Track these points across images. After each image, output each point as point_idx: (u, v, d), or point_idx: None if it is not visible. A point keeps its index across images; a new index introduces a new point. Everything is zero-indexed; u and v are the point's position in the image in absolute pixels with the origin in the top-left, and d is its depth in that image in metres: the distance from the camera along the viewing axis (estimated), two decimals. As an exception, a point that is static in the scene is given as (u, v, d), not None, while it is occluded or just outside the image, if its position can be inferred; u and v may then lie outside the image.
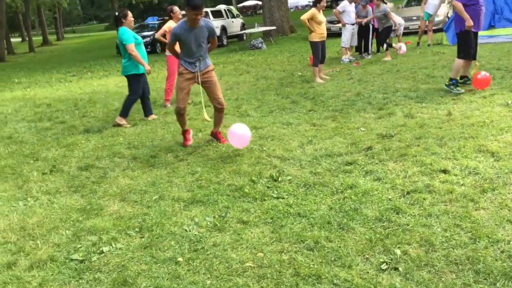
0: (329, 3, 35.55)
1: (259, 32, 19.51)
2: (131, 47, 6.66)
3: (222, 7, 25.84)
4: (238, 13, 27.00)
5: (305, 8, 50.08)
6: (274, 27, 19.69)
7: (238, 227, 3.48)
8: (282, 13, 20.43)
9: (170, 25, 7.60)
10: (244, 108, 7.46)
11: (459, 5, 6.52)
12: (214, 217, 3.68)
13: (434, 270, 2.73)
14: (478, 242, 2.96)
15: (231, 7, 27.79)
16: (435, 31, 13.46)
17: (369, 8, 11.33)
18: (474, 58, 6.91)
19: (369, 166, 4.43)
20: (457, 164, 4.21)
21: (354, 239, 3.15)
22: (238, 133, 5.10)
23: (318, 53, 8.96)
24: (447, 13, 15.63)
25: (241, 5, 53.27)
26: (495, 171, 3.97)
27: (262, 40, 17.67)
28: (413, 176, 4.09)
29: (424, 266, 2.77)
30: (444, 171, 4.09)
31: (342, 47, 11.49)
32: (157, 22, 23.82)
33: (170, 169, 4.91)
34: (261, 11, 26.52)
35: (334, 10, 11.30)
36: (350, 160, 4.65)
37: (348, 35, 11.19)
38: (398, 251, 2.94)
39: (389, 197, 3.74)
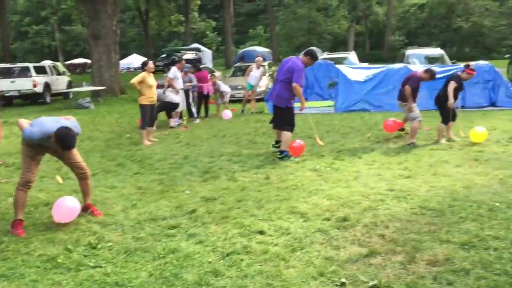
0: (161, 67, 36.45)
1: (87, 91, 18.87)
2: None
3: (47, 62, 24.47)
4: (65, 70, 25.81)
5: (137, 70, 50.20)
6: (104, 87, 19.27)
7: (47, 303, 3.17)
8: (112, 73, 20.17)
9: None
10: (64, 170, 7.00)
11: (300, 89, 7.19)
12: (18, 293, 3.30)
13: (248, 331, 2.83)
14: (288, 299, 3.17)
15: (58, 63, 26.50)
16: (257, 100, 14.61)
17: (190, 75, 12.16)
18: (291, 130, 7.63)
19: (192, 229, 4.49)
20: (272, 225, 4.52)
21: (173, 305, 3.12)
22: (65, 207, 4.67)
23: (147, 116, 9.00)
24: (268, 84, 17.19)
25: (69, 62, 51.13)
26: (304, 230, 4.36)
27: (90, 100, 17.08)
28: (232, 238, 4.26)
29: (238, 328, 2.85)
30: (261, 232, 4.35)
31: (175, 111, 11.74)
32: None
33: (-31, 239, 4.31)
34: (90, 69, 25.77)
35: (166, 78, 11.64)
36: (174, 223, 4.66)
37: (180, 100, 11.54)
38: (215, 315, 2.98)
39: (210, 260, 3.81)
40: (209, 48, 51.18)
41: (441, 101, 8.25)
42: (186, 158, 7.67)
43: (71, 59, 55.04)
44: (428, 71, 8.52)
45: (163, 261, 3.81)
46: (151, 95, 9.06)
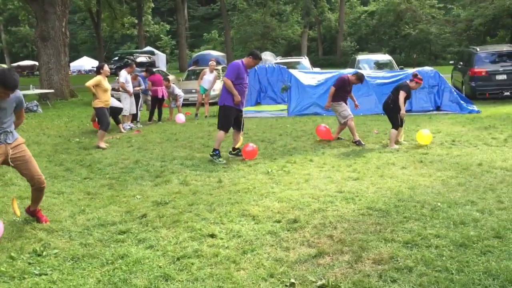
0: (114, 70, 35.71)
1: (35, 94, 18.23)
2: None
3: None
4: (11, 72, 24.78)
5: (88, 73, 48.99)
6: (52, 90, 18.68)
7: (-12, 313, 3.05)
8: (62, 76, 19.59)
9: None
10: (9, 176, 6.75)
11: (229, 82, 7.35)
12: (-44, 304, 3.16)
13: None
14: (238, 301, 3.19)
15: (4, 65, 25.48)
16: (211, 104, 14.60)
17: (140, 78, 12.20)
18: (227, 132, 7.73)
19: (142, 234, 4.44)
20: (223, 228, 4.54)
21: (121, 311, 3.07)
22: None
23: (105, 117, 8.98)
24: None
25: (16, 64, 49.20)
26: (255, 233, 4.40)
27: (38, 103, 16.50)
28: (184, 241, 4.24)
29: (188, 331, 2.85)
30: (212, 235, 4.36)
31: (123, 115, 11.54)
32: None
33: None
34: (38, 72, 24.91)
35: (119, 82, 11.46)
36: (124, 228, 4.59)
37: (129, 104, 11.40)
38: (164, 319, 2.96)
39: (160, 264, 3.78)
40: (163, 52, 50.71)
41: (390, 108, 8.44)
42: (137, 163, 7.56)
43: (19, 61, 53.03)
44: (355, 74, 9.01)
45: (112, 267, 3.74)
46: (106, 99, 8.98)
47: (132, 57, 35.24)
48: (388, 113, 8.58)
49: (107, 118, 9.14)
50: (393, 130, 8.38)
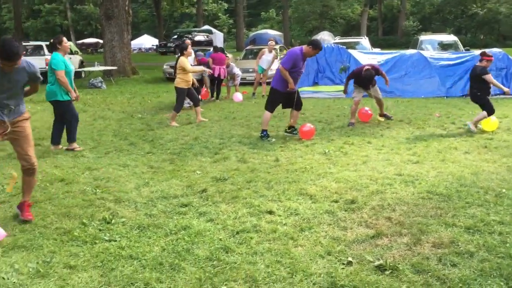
0: (172, 48, 36.46)
1: (99, 71, 18.99)
2: (61, 73, 6.65)
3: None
4: (77, 49, 25.93)
5: (148, 51, 50.22)
6: (115, 67, 19.37)
7: (64, 272, 3.31)
8: (124, 54, 20.24)
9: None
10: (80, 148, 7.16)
11: (284, 71, 7.37)
12: (37, 262, 3.45)
13: (256, 304, 2.95)
14: (295, 276, 3.28)
15: (70, 42, 26.58)
16: (268, 83, 14.62)
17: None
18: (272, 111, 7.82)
19: (203, 208, 4.61)
20: (281, 206, 4.62)
21: (185, 279, 3.24)
22: None
23: (182, 98, 9.29)
24: (279, 68, 17.21)
25: (80, 41, 51.23)
26: (312, 211, 4.46)
27: (102, 80, 17.20)
28: (242, 217, 4.37)
29: (247, 301, 2.97)
30: (270, 212, 4.46)
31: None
32: None
33: (-12, 212, 4.47)
34: (102, 49, 25.83)
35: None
36: (186, 202, 4.78)
37: None
38: (225, 288, 3.11)
39: (220, 237, 3.93)
40: (221, 31, 51.06)
41: (478, 96, 8.00)
42: (196, 139, 7.77)
43: (83, 39, 55.18)
44: (365, 70, 8.92)
45: (175, 237, 3.93)
46: (188, 79, 9.21)
47: (190, 36, 35.83)
48: (479, 101, 8.08)
49: (183, 99, 9.37)
50: (484, 113, 7.93)
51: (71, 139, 7.12)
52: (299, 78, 7.83)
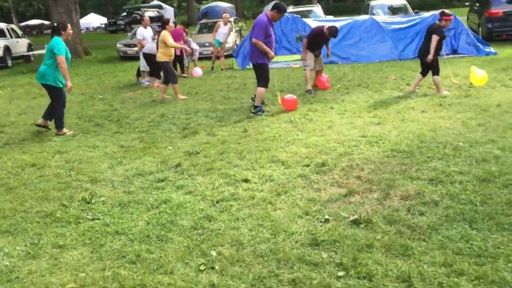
0: (123, 26, 35.47)
1: (50, 54, 18.35)
2: (62, 58, 6.69)
3: (2, 25, 23.47)
4: (22, 32, 24.83)
5: (96, 30, 48.62)
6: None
7: (55, 252, 3.39)
8: (75, 34, 19.52)
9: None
10: (45, 132, 7.06)
11: (260, 43, 7.22)
12: (25, 245, 3.51)
13: (244, 264, 3.14)
14: (278, 236, 3.48)
15: (13, 25, 25.41)
16: (226, 56, 14.63)
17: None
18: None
19: (180, 182, 4.73)
20: (256, 174, 4.80)
21: (174, 248, 3.39)
22: None
23: (172, 70, 9.31)
24: (236, 40, 17.17)
25: (24, 23, 48.87)
26: (286, 177, 4.67)
27: (54, 62, 16.66)
28: (220, 187, 4.53)
29: (236, 262, 3.16)
30: (246, 180, 4.63)
31: (142, 71, 11.69)
32: None
33: (-37, 202, 4.43)
34: (48, 31, 24.85)
35: (136, 39, 11.59)
36: (162, 177, 4.88)
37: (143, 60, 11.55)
38: (213, 253, 3.28)
39: (201, 207, 4.08)
40: (171, 5, 49.90)
41: (425, 54, 8.08)
42: (163, 116, 7.80)
43: (26, 21, 52.67)
44: (329, 28, 8.97)
45: (157, 211, 4.05)
46: (170, 53, 9.21)
47: (140, 12, 34.91)
48: (423, 59, 8.20)
49: (172, 70, 9.41)
50: (436, 77, 8.10)
51: (59, 125, 7.00)
52: (274, 45, 7.67)
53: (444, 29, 8.17)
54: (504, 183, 4.04)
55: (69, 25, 7.04)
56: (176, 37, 12.33)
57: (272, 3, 8.15)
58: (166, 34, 9.05)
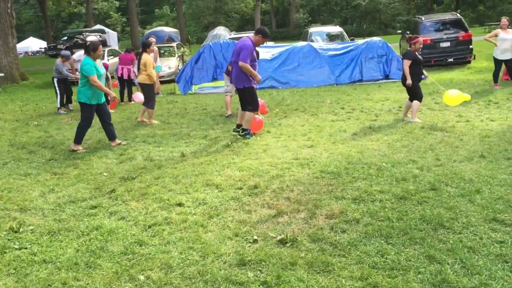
0: (63, 49, 34.67)
1: (-16, 79, 17.69)
2: (93, 78, 6.91)
3: None
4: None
5: (36, 55, 47.23)
6: (2, 74, 18.17)
7: (-23, 284, 3.31)
8: (11, 59, 19.04)
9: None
10: (-28, 161, 6.83)
11: (247, 66, 7.19)
12: None
13: (172, 287, 3.20)
14: (207, 258, 3.57)
15: None
16: (168, 81, 14.69)
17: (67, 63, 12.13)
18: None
19: (113, 208, 4.73)
20: (190, 198, 4.89)
21: (102, 274, 3.40)
22: None
23: (153, 94, 9.30)
24: (178, 65, 17.28)
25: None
26: (219, 200, 4.78)
27: (-12, 88, 16.09)
28: (153, 211, 4.57)
29: (164, 286, 3.22)
30: (180, 204, 4.70)
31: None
32: None
33: None
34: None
35: (70, 61, 11.57)
36: (95, 204, 4.86)
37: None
38: (141, 277, 3.32)
39: (133, 232, 4.11)
40: (114, 29, 49.45)
41: (405, 80, 8.01)
42: (100, 142, 7.74)
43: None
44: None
45: (88, 238, 4.04)
46: (152, 75, 9.20)
47: (82, 36, 34.39)
48: (408, 88, 8.10)
49: (153, 94, 9.42)
50: (416, 102, 7.95)
51: (77, 140, 7.27)
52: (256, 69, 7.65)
53: (418, 52, 8.05)
54: (419, 200, 4.35)
55: (100, 46, 7.26)
56: (128, 62, 12.36)
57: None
58: (146, 57, 9.11)
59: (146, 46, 9.45)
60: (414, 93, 8.00)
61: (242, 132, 7.54)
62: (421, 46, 8.13)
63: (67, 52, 12.17)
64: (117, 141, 7.54)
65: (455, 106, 8.46)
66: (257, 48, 7.63)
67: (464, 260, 3.28)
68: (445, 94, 8.09)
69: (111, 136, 7.52)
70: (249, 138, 7.37)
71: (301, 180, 5.20)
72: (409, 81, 7.87)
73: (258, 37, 7.38)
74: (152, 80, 9.22)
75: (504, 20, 11.21)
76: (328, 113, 9.24)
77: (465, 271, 3.16)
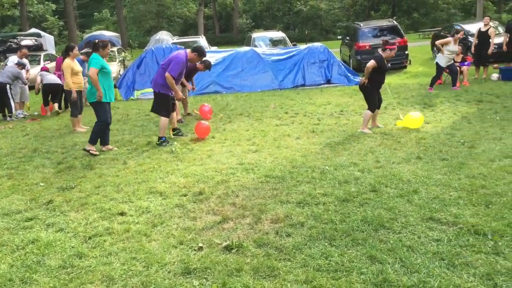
0: (-3, 54, 32.95)
1: None
2: (93, 70, 6.84)
3: None
4: None
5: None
6: None
7: None
8: None
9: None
10: None
11: (171, 79, 7.04)
12: None
13: (115, 300, 3.09)
14: (151, 268, 3.49)
15: None
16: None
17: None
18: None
19: (50, 219, 4.53)
20: (132, 206, 4.76)
21: (38, 290, 3.24)
22: None
23: (78, 102, 8.84)
24: (119, 71, 16.87)
25: None
26: (163, 207, 4.69)
27: None
28: (94, 222, 4.41)
29: (106, 299, 3.10)
30: (122, 213, 4.57)
31: (16, 102, 11.00)
32: None
33: None
34: None
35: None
36: (30, 216, 4.64)
37: (20, 90, 10.99)
38: (81, 291, 3.19)
39: (72, 245, 3.94)
40: (51, 33, 47.60)
41: (365, 87, 7.63)
42: (36, 151, 7.40)
43: None
44: (203, 62, 8.74)
45: (23, 252, 3.84)
46: (78, 81, 8.81)
47: (16, 40, 32.84)
48: (363, 92, 7.76)
49: (80, 102, 9.02)
50: (368, 112, 7.58)
51: (92, 141, 7.13)
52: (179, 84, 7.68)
53: (389, 58, 7.68)
54: (360, 202, 4.47)
55: (109, 44, 7.28)
56: (56, 66, 11.89)
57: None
58: (67, 63, 8.66)
59: (68, 50, 8.80)
60: (368, 100, 7.65)
61: (158, 141, 7.41)
62: (393, 56, 7.75)
63: (25, 60, 11.62)
64: (109, 146, 7.35)
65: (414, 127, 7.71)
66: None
67: (403, 259, 3.39)
68: (406, 116, 7.71)
69: (105, 141, 7.37)
70: (166, 146, 7.23)
71: (246, 185, 5.20)
72: (363, 79, 7.54)
73: (194, 55, 7.37)
74: (79, 86, 8.84)
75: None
76: (272, 117, 9.32)
77: (405, 270, 3.27)
